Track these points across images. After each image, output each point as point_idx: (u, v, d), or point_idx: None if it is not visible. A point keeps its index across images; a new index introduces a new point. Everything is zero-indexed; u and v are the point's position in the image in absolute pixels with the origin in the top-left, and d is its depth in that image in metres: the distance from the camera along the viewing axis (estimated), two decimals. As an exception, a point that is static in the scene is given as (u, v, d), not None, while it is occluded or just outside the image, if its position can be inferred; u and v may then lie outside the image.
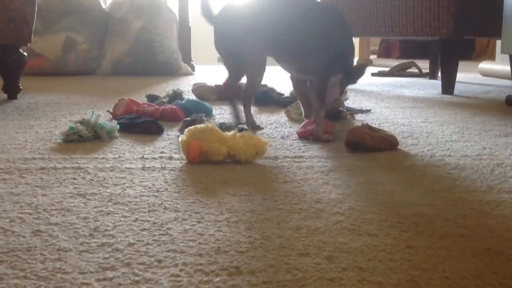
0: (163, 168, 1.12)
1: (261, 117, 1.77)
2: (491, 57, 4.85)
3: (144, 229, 0.77)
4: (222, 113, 1.85)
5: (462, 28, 2.45)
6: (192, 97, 2.14)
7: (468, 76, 3.60)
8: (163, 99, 2.01)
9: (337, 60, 1.42)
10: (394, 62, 4.28)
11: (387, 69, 3.81)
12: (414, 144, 1.38)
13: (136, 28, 3.52)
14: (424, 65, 3.64)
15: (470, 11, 2.46)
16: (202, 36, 4.50)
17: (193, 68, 3.79)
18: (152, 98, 2.08)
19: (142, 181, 1.02)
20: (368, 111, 1.94)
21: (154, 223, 0.79)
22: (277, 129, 1.57)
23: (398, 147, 1.34)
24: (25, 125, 1.59)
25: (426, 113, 1.91)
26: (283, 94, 2.18)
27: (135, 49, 3.50)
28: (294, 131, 1.52)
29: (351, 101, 2.15)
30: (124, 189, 0.96)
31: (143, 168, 1.11)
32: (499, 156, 1.25)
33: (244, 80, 1.53)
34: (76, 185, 0.99)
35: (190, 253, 0.68)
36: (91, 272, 0.63)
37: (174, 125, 1.58)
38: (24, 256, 0.67)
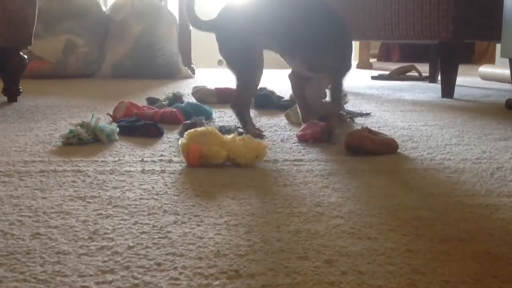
0: (163, 171, 1.12)
1: (261, 120, 1.77)
2: (491, 60, 4.85)
3: (143, 232, 0.77)
4: (222, 116, 1.85)
5: (462, 32, 2.45)
6: (192, 100, 2.15)
7: (468, 80, 3.60)
8: (163, 102, 2.01)
9: (349, 59, 1.50)
10: (394, 66, 4.29)
11: (387, 72, 3.81)
12: (414, 148, 1.38)
13: (137, 31, 3.52)
14: (424, 68, 3.64)
15: (470, 15, 2.47)
16: (202, 40, 4.51)
17: (193, 71, 3.79)
18: (152, 101, 2.08)
19: (141, 184, 1.02)
20: (368, 114, 1.94)
21: (153, 226, 0.79)
22: (276, 132, 1.57)
23: (398, 150, 1.34)
24: (25, 128, 1.59)
25: (426, 117, 1.91)
26: (283, 97, 2.18)
27: (135, 52, 3.51)
28: (293, 134, 1.52)
29: (351, 105, 2.15)
30: (124, 192, 0.96)
31: (142, 171, 1.11)
32: (499, 159, 1.25)
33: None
34: (76, 188, 0.99)
35: (190, 256, 0.68)
36: (91, 275, 0.63)
37: (174, 128, 1.58)
38: (24, 259, 0.67)
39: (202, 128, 1.20)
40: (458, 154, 1.30)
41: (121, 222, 0.81)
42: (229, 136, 1.19)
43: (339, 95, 1.53)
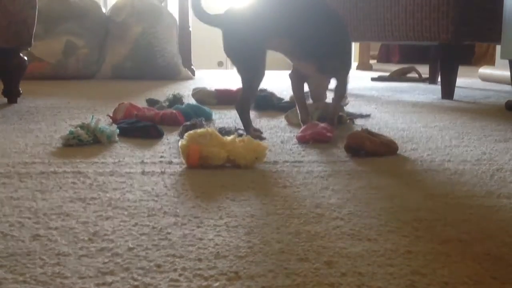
0: (163, 173, 1.12)
1: (261, 122, 1.77)
2: (491, 62, 4.85)
3: (143, 234, 0.77)
4: (222, 118, 1.85)
5: (461, 33, 2.45)
6: (192, 101, 2.15)
7: (468, 81, 3.60)
8: (163, 104, 2.01)
9: (351, 57, 1.55)
10: (394, 67, 4.29)
11: (387, 74, 3.82)
12: (414, 149, 1.38)
13: (137, 32, 3.53)
14: (424, 70, 3.64)
15: (470, 16, 2.47)
16: (202, 41, 4.52)
17: (193, 72, 3.79)
18: (152, 102, 2.08)
19: (141, 186, 1.02)
20: (368, 116, 1.94)
21: (153, 227, 0.79)
22: (277, 133, 1.57)
23: (398, 152, 1.34)
24: (25, 129, 1.59)
25: (426, 118, 1.91)
26: (283, 99, 2.18)
27: (135, 53, 3.51)
28: (293, 135, 1.52)
29: (351, 106, 2.15)
30: (124, 194, 0.96)
31: (142, 173, 1.11)
32: (499, 161, 1.25)
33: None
34: (76, 190, 0.99)
35: (189, 258, 0.68)
36: (90, 277, 0.63)
37: (174, 130, 1.58)
38: (24, 260, 0.67)
39: (202, 130, 1.20)
40: (458, 156, 1.30)
41: (121, 223, 0.81)
42: (229, 138, 1.19)
43: (343, 93, 1.59)
